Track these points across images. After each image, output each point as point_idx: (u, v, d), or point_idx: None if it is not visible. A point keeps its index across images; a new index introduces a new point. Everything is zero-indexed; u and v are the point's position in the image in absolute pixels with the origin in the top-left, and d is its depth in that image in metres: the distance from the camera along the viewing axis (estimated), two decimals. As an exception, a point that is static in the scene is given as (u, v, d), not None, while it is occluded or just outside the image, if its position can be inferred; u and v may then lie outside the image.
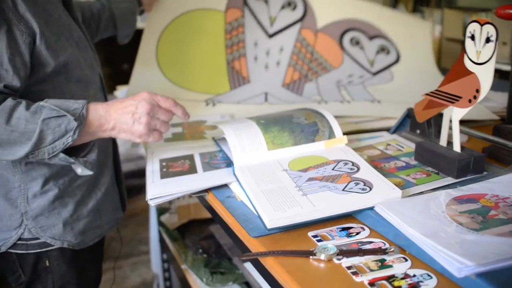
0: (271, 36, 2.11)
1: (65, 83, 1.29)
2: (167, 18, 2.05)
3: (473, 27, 1.21)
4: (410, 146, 1.45)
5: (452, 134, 1.29)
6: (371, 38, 2.17)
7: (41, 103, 1.16)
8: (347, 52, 2.14)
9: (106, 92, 1.51)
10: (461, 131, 1.37)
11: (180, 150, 1.48)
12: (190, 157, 1.42)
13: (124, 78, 1.97)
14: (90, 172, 1.24)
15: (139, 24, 2.02)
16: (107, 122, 1.20)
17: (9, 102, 1.14)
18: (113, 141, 1.58)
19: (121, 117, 1.20)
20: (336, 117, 1.44)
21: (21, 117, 1.13)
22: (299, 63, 2.10)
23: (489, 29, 1.18)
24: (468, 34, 1.23)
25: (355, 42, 2.15)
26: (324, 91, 2.05)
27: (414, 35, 2.24)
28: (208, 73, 2.05)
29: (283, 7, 2.12)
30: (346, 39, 2.15)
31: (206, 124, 1.71)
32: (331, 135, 1.39)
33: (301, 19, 2.13)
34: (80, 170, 1.23)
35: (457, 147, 1.29)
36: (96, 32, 1.85)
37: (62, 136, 1.15)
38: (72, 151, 1.21)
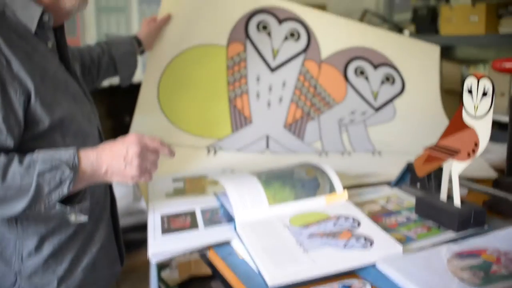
0: (273, 70, 2.08)
1: (61, 139, 1.28)
2: (168, 57, 2.04)
3: (470, 82, 1.23)
4: (410, 200, 1.45)
5: (452, 188, 1.29)
6: (376, 66, 2.14)
7: (33, 156, 1.16)
8: (351, 83, 2.11)
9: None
10: (461, 185, 1.37)
11: (181, 206, 1.48)
12: (192, 213, 1.42)
13: (126, 130, 1.97)
14: (85, 219, 1.24)
15: (139, 76, 2.03)
16: (99, 168, 1.21)
17: (2, 159, 1.13)
18: (111, 195, 1.57)
19: (113, 161, 1.21)
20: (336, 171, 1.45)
21: (15, 172, 1.13)
22: (301, 98, 2.08)
23: (486, 83, 1.20)
24: (465, 88, 1.25)
25: (360, 72, 2.12)
26: (325, 133, 2.05)
27: (421, 59, 2.21)
28: (211, 114, 2.04)
29: (286, 38, 2.09)
30: (351, 69, 2.12)
31: (207, 179, 1.72)
32: (332, 190, 1.39)
33: (304, 50, 2.10)
34: (74, 218, 1.22)
35: (457, 201, 1.29)
36: (97, 77, 1.87)
37: (57, 188, 1.15)
38: (64, 200, 1.21)
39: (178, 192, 1.61)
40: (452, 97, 2.53)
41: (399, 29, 3.53)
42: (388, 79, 2.14)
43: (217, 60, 2.06)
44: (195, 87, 2.04)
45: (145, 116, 1.99)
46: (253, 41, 2.08)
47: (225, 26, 2.07)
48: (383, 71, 2.14)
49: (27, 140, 1.23)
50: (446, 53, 3.50)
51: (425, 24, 3.46)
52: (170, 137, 1.94)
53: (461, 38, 3.11)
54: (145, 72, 2.06)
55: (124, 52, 1.91)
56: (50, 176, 1.15)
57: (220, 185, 1.47)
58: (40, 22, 1.29)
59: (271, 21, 2.08)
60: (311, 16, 2.12)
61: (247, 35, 2.07)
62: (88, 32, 3.50)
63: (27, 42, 1.25)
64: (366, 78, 2.12)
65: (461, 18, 3.09)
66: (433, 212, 1.31)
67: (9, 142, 1.17)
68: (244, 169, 1.70)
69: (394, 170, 1.62)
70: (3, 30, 1.21)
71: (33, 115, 1.21)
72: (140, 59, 2.01)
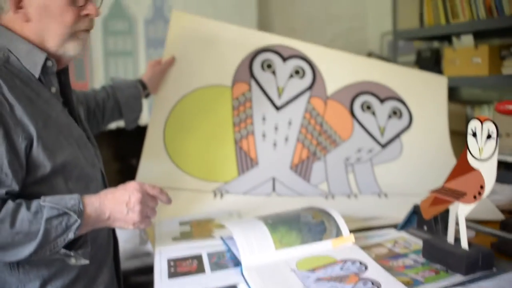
0: (279, 108, 2.08)
1: (63, 183, 1.31)
2: (173, 100, 2.05)
3: (474, 125, 1.24)
4: (417, 243, 1.44)
5: (459, 230, 1.29)
6: (383, 100, 2.13)
7: (40, 202, 1.19)
8: (358, 119, 2.11)
9: (107, 187, 1.52)
10: (468, 227, 1.37)
11: (188, 250, 1.48)
12: (198, 257, 1.42)
13: (133, 173, 1.98)
14: (86, 262, 1.26)
15: (146, 119, 2.04)
16: (103, 213, 1.25)
17: (10, 205, 1.16)
18: (114, 239, 1.58)
19: (116, 207, 1.26)
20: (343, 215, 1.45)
21: (24, 218, 1.15)
22: (308, 137, 2.07)
23: (490, 127, 1.21)
24: (469, 131, 1.25)
25: (367, 107, 2.11)
26: (331, 174, 2.04)
27: (428, 91, 2.21)
28: (217, 157, 2.04)
29: (291, 76, 2.10)
30: (357, 104, 2.12)
31: (214, 222, 1.71)
32: (339, 233, 1.39)
33: (310, 87, 2.10)
34: (75, 261, 1.24)
35: (464, 244, 1.28)
36: (102, 120, 1.89)
37: (63, 233, 1.19)
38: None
39: (185, 236, 1.61)
40: (457, 137, 2.53)
41: (403, 70, 3.57)
42: (395, 113, 2.13)
43: (223, 101, 2.07)
44: (201, 130, 2.05)
45: (152, 161, 1.99)
46: (258, 80, 2.09)
47: (229, 66, 2.09)
48: (390, 105, 2.14)
49: (29, 185, 1.26)
50: (451, 94, 3.52)
51: (429, 66, 3.50)
52: (177, 182, 1.95)
53: (465, 79, 3.13)
54: (151, 116, 2.07)
55: (129, 96, 1.93)
56: (57, 222, 1.18)
57: (226, 228, 1.47)
58: (44, 68, 1.32)
59: (275, 59, 2.10)
60: (315, 52, 2.14)
61: (252, 75, 2.08)
62: (96, 76, 3.55)
63: (30, 88, 1.28)
64: (373, 113, 2.12)
65: (465, 60, 3.13)
66: (440, 255, 1.30)
67: (14, 186, 1.20)
68: (251, 212, 1.70)
69: (401, 213, 1.61)
70: (7, 76, 1.24)
71: (35, 160, 1.24)
72: (146, 100, 2.02)
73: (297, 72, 2.11)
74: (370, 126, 2.12)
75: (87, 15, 1.37)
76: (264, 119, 2.08)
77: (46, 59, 1.32)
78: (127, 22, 3.57)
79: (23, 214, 1.16)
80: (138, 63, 3.63)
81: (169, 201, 1.39)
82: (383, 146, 2.11)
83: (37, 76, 1.31)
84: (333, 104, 2.11)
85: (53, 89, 1.37)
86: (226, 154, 2.04)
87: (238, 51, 2.10)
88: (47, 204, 1.18)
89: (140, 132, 2.09)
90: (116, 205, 1.26)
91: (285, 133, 2.08)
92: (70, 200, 1.21)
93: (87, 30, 1.40)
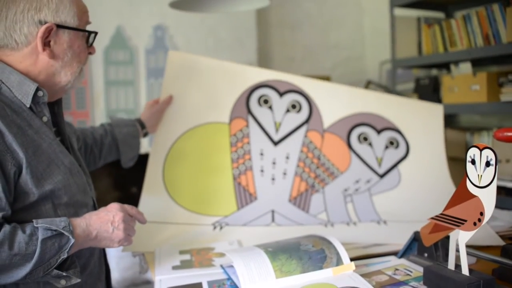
0: (276, 143, 2.10)
1: (52, 210, 1.34)
2: (172, 138, 2.07)
3: (473, 152, 1.25)
4: (418, 270, 1.44)
5: (460, 257, 1.29)
6: (380, 131, 2.16)
7: (33, 224, 1.23)
8: (355, 151, 2.13)
9: None
10: (469, 253, 1.36)
11: (188, 278, 1.47)
12: (198, 285, 1.41)
13: (133, 202, 1.99)
14: (78, 280, 1.29)
15: (146, 148, 2.05)
16: (90, 233, 1.31)
17: (7, 228, 1.20)
18: (106, 268, 1.62)
19: (102, 226, 1.33)
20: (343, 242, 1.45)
21: (21, 241, 1.19)
22: (306, 170, 2.09)
23: (488, 154, 1.21)
24: (468, 158, 1.26)
25: (363, 138, 2.14)
26: (330, 205, 2.04)
27: (424, 120, 2.23)
28: (216, 193, 2.05)
29: (288, 111, 2.13)
30: (354, 136, 2.14)
31: (214, 251, 1.71)
32: (339, 261, 1.39)
33: (307, 121, 2.13)
34: (64, 282, 1.27)
35: (465, 270, 1.28)
36: (99, 157, 1.91)
37: (57, 253, 1.23)
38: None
39: (185, 264, 1.61)
40: (457, 164, 2.54)
41: (402, 98, 3.59)
42: (392, 143, 2.15)
43: (220, 138, 2.10)
44: (200, 167, 2.07)
45: (151, 198, 2.00)
46: (255, 116, 2.11)
47: (226, 103, 2.12)
48: (387, 135, 2.16)
49: (18, 211, 1.29)
50: (450, 121, 3.54)
51: (427, 94, 3.52)
52: (176, 217, 1.95)
53: (463, 106, 3.15)
54: (150, 154, 2.09)
55: (127, 134, 1.96)
56: (51, 242, 1.22)
57: (227, 257, 1.47)
58: (35, 98, 1.35)
59: (272, 94, 2.13)
60: (311, 86, 2.17)
61: (249, 111, 2.11)
62: (97, 104, 3.57)
63: (21, 117, 1.32)
64: (370, 144, 2.14)
65: (463, 87, 3.15)
66: (441, 282, 1.29)
67: (7, 209, 1.24)
68: (251, 241, 1.70)
69: (401, 240, 1.61)
70: None
71: (23, 187, 1.28)
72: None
73: (293, 106, 2.14)
74: (367, 157, 2.14)
75: (89, 53, 1.49)
76: (262, 154, 2.09)
77: (37, 89, 1.35)
78: (128, 52, 3.61)
79: (20, 236, 1.19)
80: (138, 93, 3.66)
81: (144, 220, 1.48)
82: (381, 176, 2.12)
83: (28, 105, 1.34)
84: (330, 136, 2.14)
85: (45, 118, 1.40)
86: (225, 190, 2.06)
87: (235, 88, 2.14)
88: (41, 225, 1.22)
89: (140, 161, 2.10)
90: (102, 224, 1.33)
91: (283, 167, 2.10)
92: (60, 222, 1.25)
93: None
